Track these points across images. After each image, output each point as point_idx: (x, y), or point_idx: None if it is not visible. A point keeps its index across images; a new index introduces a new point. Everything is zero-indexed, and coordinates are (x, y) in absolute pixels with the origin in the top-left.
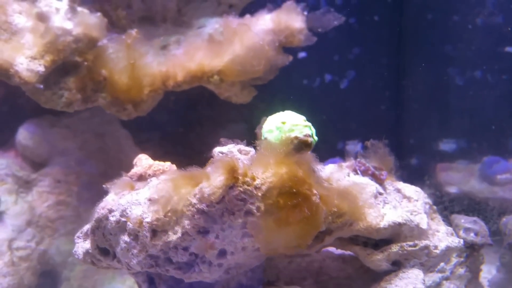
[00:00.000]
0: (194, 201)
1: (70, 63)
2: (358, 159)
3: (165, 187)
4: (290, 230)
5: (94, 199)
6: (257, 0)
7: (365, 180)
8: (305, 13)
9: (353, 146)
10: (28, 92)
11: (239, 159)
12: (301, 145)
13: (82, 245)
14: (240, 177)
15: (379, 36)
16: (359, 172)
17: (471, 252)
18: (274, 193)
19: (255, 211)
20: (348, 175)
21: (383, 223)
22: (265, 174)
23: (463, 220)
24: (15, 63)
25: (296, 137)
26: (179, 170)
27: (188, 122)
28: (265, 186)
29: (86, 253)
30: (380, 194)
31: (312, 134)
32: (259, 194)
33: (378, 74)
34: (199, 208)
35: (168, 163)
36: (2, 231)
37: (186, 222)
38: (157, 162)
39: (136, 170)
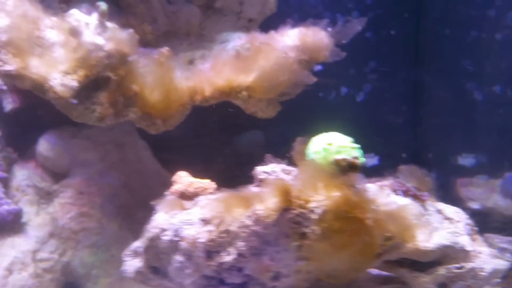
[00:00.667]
0: (248, 222)
1: (102, 78)
2: (397, 179)
3: (217, 208)
4: (346, 254)
5: (117, 211)
6: (275, 14)
7: (408, 201)
8: (329, 29)
9: (369, 159)
10: (59, 106)
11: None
12: (349, 168)
13: (131, 263)
14: (294, 200)
15: (396, 50)
16: (399, 193)
17: (509, 273)
18: (329, 217)
19: (310, 234)
20: (389, 196)
21: (431, 246)
22: (318, 197)
23: (497, 240)
24: (50, 78)
25: (344, 159)
26: (227, 190)
27: (200, 131)
28: (320, 209)
29: (137, 271)
30: (422, 215)
31: (359, 156)
32: (314, 217)
33: (394, 87)
34: (254, 230)
35: (208, 181)
36: (25, 242)
37: (241, 243)
38: (197, 179)
39: (177, 188)
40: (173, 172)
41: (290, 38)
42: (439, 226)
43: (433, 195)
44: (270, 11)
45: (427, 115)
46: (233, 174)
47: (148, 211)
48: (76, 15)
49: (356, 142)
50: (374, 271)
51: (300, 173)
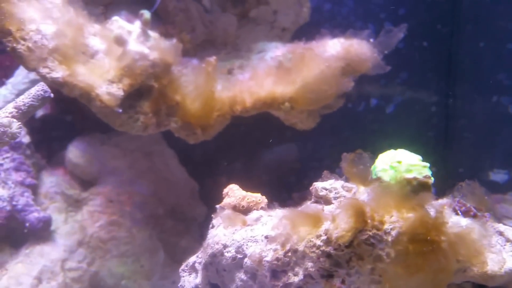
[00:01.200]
0: (319, 243)
1: (145, 87)
2: (457, 199)
3: (282, 225)
4: (420, 278)
5: (146, 220)
6: (307, 23)
7: (469, 222)
8: (372, 40)
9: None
10: (102, 115)
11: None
12: (420, 187)
13: (188, 279)
14: (369, 221)
15: (428, 62)
16: (459, 213)
17: None
18: (404, 239)
19: (384, 257)
20: (451, 217)
21: (500, 270)
22: (393, 218)
23: None
24: (96, 87)
25: (415, 178)
26: (292, 207)
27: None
28: (395, 231)
29: None
30: (487, 237)
31: (430, 175)
32: (389, 239)
33: (425, 100)
34: (325, 250)
35: (259, 195)
36: (54, 250)
37: (310, 264)
38: (249, 193)
39: (229, 201)
40: (200, 181)
41: (333, 49)
42: (501, 248)
43: (494, 216)
44: (303, 20)
45: (459, 129)
46: (271, 188)
47: (177, 221)
48: (119, 23)
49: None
50: None
51: (370, 193)
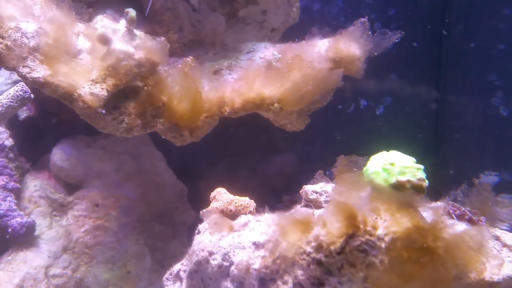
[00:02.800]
0: (309, 249)
1: (130, 87)
2: (452, 202)
3: (270, 231)
4: (416, 287)
5: (133, 225)
6: (297, 24)
7: (465, 226)
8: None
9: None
10: (85, 116)
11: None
12: (414, 190)
13: None
14: (361, 226)
15: (418, 62)
16: (454, 217)
17: None
18: (399, 245)
19: (378, 264)
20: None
21: (497, 277)
22: (385, 223)
23: None
24: (78, 87)
25: (409, 181)
26: (281, 211)
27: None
28: (388, 237)
29: None
30: (483, 242)
31: (425, 177)
32: (383, 245)
33: (415, 101)
34: (315, 257)
35: (247, 198)
36: (38, 257)
37: (299, 272)
38: (237, 197)
39: (216, 205)
40: (188, 184)
41: (323, 49)
42: (497, 254)
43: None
44: (293, 20)
45: (450, 130)
46: (259, 191)
47: (165, 225)
48: (103, 22)
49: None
50: None
51: (362, 196)
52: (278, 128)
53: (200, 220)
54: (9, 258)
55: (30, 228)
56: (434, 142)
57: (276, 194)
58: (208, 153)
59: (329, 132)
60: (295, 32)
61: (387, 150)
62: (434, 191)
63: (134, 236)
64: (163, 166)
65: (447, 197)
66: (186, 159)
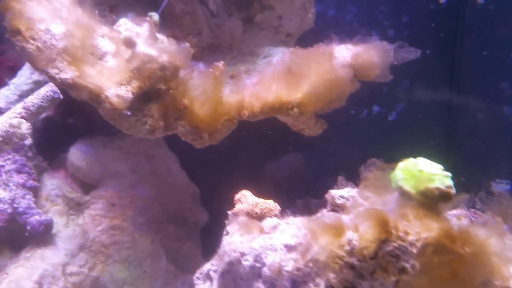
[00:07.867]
0: (342, 253)
1: (153, 90)
2: (473, 210)
3: (301, 234)
4: None
5: (149, 225)
6: (311, 29)
7: (489, 233)
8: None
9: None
10: (109, 117)
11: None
12: (442, 197)
13: (203, 287)
14: (393, 231)
15: (431, 70)
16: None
17: None
18: (429, 251)
19: (409, 269)
20: None
21: None
22: (416, 229)
23: None
24: (105, 89)
25: (437, 188)
26: (310, 216)
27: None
28: (420, 242)
29: None
30: (507, 250)
31: (452, 185)
32: (414, 251)
33: (428, 108)
34: (348, 261)
35: (271, 201)
36: (55, 255)
37: (332, 275)
38: (262, 200)
39: (242, 207)
40: (201, 186)
41: (342, 54)
42: None
43: None
44: (308, 26)
45: (461, 138)
46: (275, 195)
47: (179, 226)
48: (127, 25)
49: (385, 162)
50: None
51: (392, 202)
52: (290, 132)
53: (226, 222)
54: (27, 255)
55: (48, 226)
56: (446, 149)
57: (289, 198)
58: (219, 156)
59: (342, 137)
60: (309, 38)
61: (399, 157)
62: None
63: (150, 236)
64: (177, 167)
65: (461, 204)
66: (198, 161)
